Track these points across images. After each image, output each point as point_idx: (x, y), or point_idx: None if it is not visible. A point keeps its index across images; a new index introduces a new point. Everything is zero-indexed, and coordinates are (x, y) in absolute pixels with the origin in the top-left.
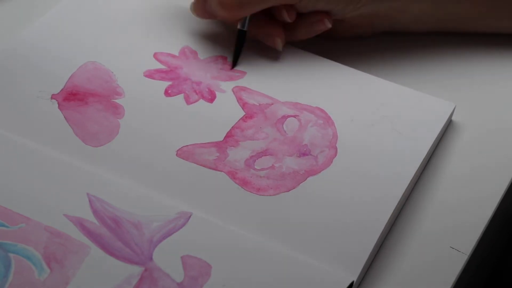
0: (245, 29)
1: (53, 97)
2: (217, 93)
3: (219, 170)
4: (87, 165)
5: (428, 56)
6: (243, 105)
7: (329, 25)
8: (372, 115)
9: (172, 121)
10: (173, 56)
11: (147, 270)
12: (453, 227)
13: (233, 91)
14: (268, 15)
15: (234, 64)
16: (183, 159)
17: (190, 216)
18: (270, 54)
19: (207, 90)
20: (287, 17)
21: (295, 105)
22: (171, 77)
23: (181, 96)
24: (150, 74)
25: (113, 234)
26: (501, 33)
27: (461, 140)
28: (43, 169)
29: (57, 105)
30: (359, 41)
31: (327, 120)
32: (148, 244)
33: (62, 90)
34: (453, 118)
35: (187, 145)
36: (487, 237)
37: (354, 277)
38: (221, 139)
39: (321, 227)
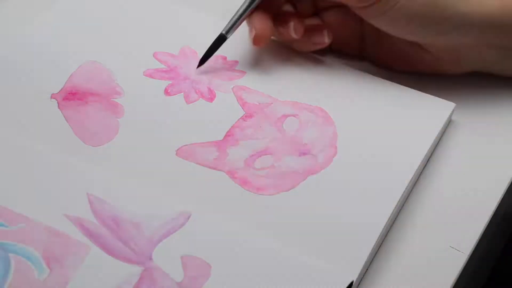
0: (228, 36)
1: (52, 96)
2: (216, 93)
3: (218, 170)
4: (87, 164)
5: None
6: (243, 104)
7: (327, 41)
8: (372, 114)
9: (172, 121)
10: (173, 56)
11: (147, 270)
12: (453, 227)
13: (233, 90)
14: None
15: (199, 64)
16: (183, 158)
17: (189, 216)
18: (270, 54)
19: (207, 89)
20: (294, 33)
21: (295, 105)
22: (171, 77)
23: (181, 95)
24: (150, 74)
25: (113, 234)
26: None
27: (461, 140)
28: (42, 169)
29: (56, 105)
30: None
31: (327, 120)
32: (147, 243)
33: (61, 89)
34: (453, 118)
35: (186, 145)
36: (487, 237)
37: (353, 277)
38: (221, 138)
39: (321, 226)
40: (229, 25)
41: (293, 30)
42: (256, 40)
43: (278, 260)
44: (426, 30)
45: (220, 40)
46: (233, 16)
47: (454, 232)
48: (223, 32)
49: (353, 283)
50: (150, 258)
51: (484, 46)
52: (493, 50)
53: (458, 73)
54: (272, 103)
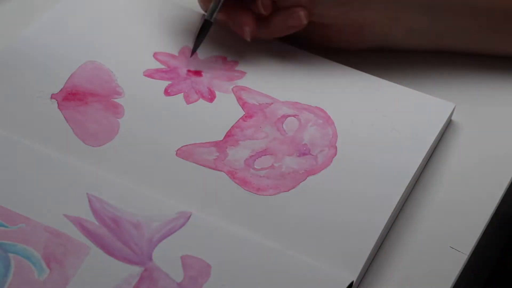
0: (211, 20)
1: (52, 96)
2: (216, 93)
3: (218, 170)
4: (87, 165)
5: (428, 56)
6: (243, 104)
7: (305, 21)
8: (372, 114)
9: (172, 121)
10: (173, 56)
11: (147, 270)
12: (453, 227)
13: (233, 90)
14: (242, 4)
15: (192, 53)
16: (183, 158)
17: (189, 216)
18: (270, 54)
19: (207, 89)
20: (262, 9)
21: (295, 105)
22: (171, 77)
23: (181, 95)
24: (150, 74)
25: (113, 234)
26: (498, 55)
27: (461, 140)
28: (42, 169)
29: (56, 105)
30: None
31: (327, 120)
32: (147, 244)
33: (61, 89)
34: (453, 118)
35: (186, 145)
36: (486, 237)
37: (353, 277)
38: (221, 138)
39: (321, 226)
40: (211, 10)
41: (261, 7)
42: (252, 36)
43: (278, 260)
44: (334, 7)
45: (206, 25)
46: (213, 1)
47: (454, 232)
48: (207, 18)
49: (353, 283)
50: (150, 258)
51: (386, 21)
52: (395, 25)
53: (363, 48)
54: (272, 103)
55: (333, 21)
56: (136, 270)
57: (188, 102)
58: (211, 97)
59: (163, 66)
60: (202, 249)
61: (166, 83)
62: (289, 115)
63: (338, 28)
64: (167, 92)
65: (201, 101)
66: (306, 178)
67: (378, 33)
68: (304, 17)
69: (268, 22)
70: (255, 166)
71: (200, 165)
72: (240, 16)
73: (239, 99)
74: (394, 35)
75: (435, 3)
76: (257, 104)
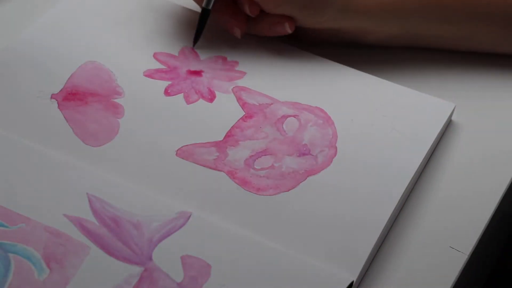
0: (209, 7)
1: (52, 96)
2: (217, 93)
3: (218, 170)
4: (87, 165)
5: (428, 56)
6: (243, 105)
7: (289, 31)
8: (372, 115)
9: (172, 121)
10: (173, 56)
11: (147, 270)
12: (453, 227)
13: (233, 91)
14: (234, 2)
15: (194, 43)
16: (183, 158)
17: (189, 216)
18: (270, 54)
19: (207, 89)
20: (249, 11)
21: (295, 105)
22: (171, 77)
23: (181, 95)
24: (150, 74)
25: (113, 234)
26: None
27: (461, 140)
28: (42, 169)
29: (56, 105)
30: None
31: (327, 120)
32: (147, 244)
33: (61, 89)
34: (453, 118)
35: (186, 145)
36: (486, 237)
37: (354, 277)
38: (221, 138)
39: (321, 227)
40: None
41: (248, 10)
42: (237, 33)
43: (278, 260)
44: (311, 17)
45: (205, 14)
46: None
47: (454, 232)
48: (204, 6)
49: (353, 283)
50: (150, 258)
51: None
52: (372, 34)
53: (338, 42)
54: (272, 104)
55: (311, 27)
56: (136, 270)
57: (188, 102)
58: (211, 97)
59: (163, 66)
60: (202, 249)
61: (166, 83)
62: (289, 115)
63: (316, 33)
64: (167, 92)
65: (201, 101)
66: (306, 178)
67: (353, 39)
68: (288, 27)
69: (257, 21)
70: (255, 166)
71: (200, 165)
72: (231, 15)
73: (239, 99)
74: (369, 41)
75: (413, 15)
76: (257, 104)
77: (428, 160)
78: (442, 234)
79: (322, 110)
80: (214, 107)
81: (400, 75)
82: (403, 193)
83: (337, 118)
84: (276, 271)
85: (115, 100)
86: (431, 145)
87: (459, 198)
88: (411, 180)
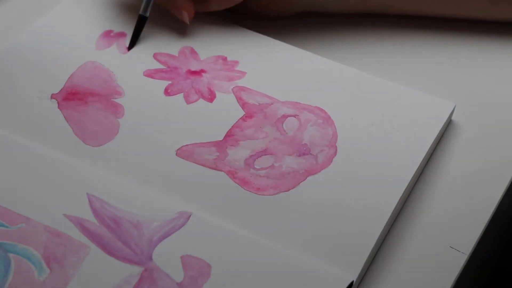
0: (146, 15)
1: (53, 96)
2: (216, 93)
3: (219, 170)
4: (87, 164)
5: (428, 56)
6: (243, 104)
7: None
8: (372, 114)
9: (172, 121)
10: (173, 56)
11: (147, 270)
12: (453, 227)
13: (233, 91)
14: None
15: (129, 49)
16: (183, 158)
17: (189, 216)
18: (270, 54)
19: (207, 89)
20: None
21: (295, 105)
22: (171, 77)
23: (181, 95)
24: (150, 74)
25: (113, 234)
26: (427, 16)
27: (461, 140)
28: (43, 169)
29: (57, 105)
30: (355, 38)
31: (327, 120)
32: (147, 244)
33: (62, 89)
34: (453, 118)
35: (187, 145)
36: (487, 237)
37: (353, 277)
38: (221, 138)
39: (321, 226)
40: (145, 5)
41: None
42: (185, 18)
43: (278, 260)
44: None
45: (142, 21)
46: None
47: (454, 232)
48: (141, 13)
49: (353, 283)
50: (150, 258)
51: None
52: None
53: (291, 14)
54: (272, 103)
55: None
56: (136, 270)
57: (188, 102)
58: (211, 97)
59: (163, 66)
60: (202, 249)
61: (166, 83)
62: (289, 115)
63: None
64: (167, 92)
65: (201, 101)
66: (306, 178)
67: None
68: None
69: None
70: (255, 166)
71: (200, 165)
72: (175, 1)
73: (239, 99)
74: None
75: None
76: (257, 104)
77: (428, 160)
78: (442, 234)
79: (322, 110)
80: (214, 107)
81: (400, 74)
82: (403, 192)
83: (337, 117)
84: (276, 271)
85: (115, 100)
86: (431, 145)
87: (459, 198)
88: (411, 180)
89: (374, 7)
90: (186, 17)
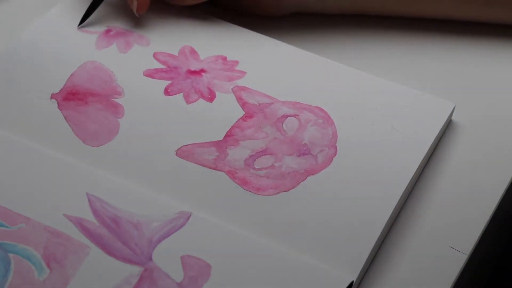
0: None
1: (52, 96)
2: (216, 93)
3: (218, 170)
4: (87, 164)
5: (428, 55)
6: (243, 104)
7: None
8: (372, 114)
9: (171, 121)
10: (173, 56)
11: (147, 270)
12: (453, 227)
13: (233, 90)
14: None
15: (79, 24)
16: (183, 158)
17: (189, 216)
18: (270, 54)
19: (207, 89)
20: None
21: (295, 105)
22: (171, 76)
23: (181, 95)
24: (150, 74)
25: (113, 234)
26: (421, 18)
27: (461, 140)
28: (42, 169)
29: (56, 105)
30: (355, 38)
31: (327, 120)
32: (147, 244)
33: (61, 89)
34: (453, 118)
35: (186, 145)
36: (487, 237)
37: (353, 277)
38: (221, 138)
39: (321, 226)
40: None
41: None
42: (139, 7)
43: (278, 260)
44: None
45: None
46: None
47: (454, 232)
48: None
49: (353, 283)
50: (150, 258)
51: None
52: None
53: (279, 15)
54: (272, 103)
55: None
56: (136, 270)
57: (188, 102)
58: (211, 97)
59: (163, 66)
60: (202, 249)
61: (166, 83)
62: (289, 115)
63: None
64: (167, 92)
65: (201, 101)
66: (306, 178)
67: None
68: None
69: None
70: (255, 166)
71: (200, 165)
72: None
73: (239, 99)
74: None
75: None
76: (257, 104)
77: (428, 160)
78: (442, 234)
79: (322, 110)
80: (214, 106)
81: (400, 74)
82: (403, 192)
83: (337, 117)
84: (276, 271)
85: (115, 100)
86: (431, 145)
87: (459, 198)
88: (411, 179)
89: (368, 9)
90: (134, 5)
